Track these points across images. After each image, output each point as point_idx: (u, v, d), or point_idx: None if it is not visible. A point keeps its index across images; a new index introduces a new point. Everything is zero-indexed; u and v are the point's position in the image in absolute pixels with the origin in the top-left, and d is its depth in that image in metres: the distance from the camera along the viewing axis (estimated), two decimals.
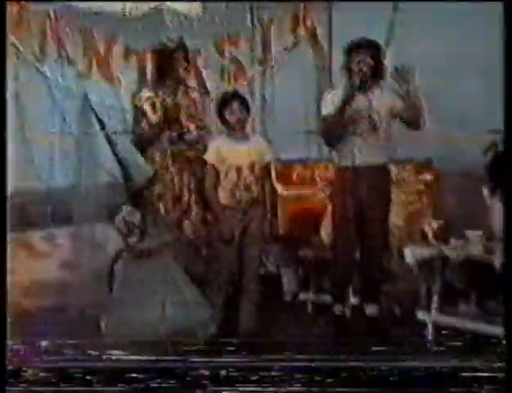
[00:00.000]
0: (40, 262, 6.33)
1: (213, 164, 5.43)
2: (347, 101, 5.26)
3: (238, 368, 4.53)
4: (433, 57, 6.07)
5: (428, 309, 5.49)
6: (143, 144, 5.86)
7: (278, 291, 6.36)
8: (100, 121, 6.45)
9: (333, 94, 5.46)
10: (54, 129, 6.55)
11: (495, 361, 4.47)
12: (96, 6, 6.70)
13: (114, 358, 4.68)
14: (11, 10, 6.10)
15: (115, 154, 6.02)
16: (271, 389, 4.41)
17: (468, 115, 5.97)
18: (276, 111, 6.87)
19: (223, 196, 5.42)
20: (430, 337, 5.43)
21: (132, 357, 4.62)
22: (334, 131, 5.37)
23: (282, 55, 6.99)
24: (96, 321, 5.25)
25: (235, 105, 5.40)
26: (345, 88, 5.36)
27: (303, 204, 6.37)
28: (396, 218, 6.19)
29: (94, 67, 6.75)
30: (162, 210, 5.80)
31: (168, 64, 5.84)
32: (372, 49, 5.38)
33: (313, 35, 6.97)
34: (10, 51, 5.91)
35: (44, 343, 4.80)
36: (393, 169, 6.12)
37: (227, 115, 5.41)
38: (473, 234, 5.35)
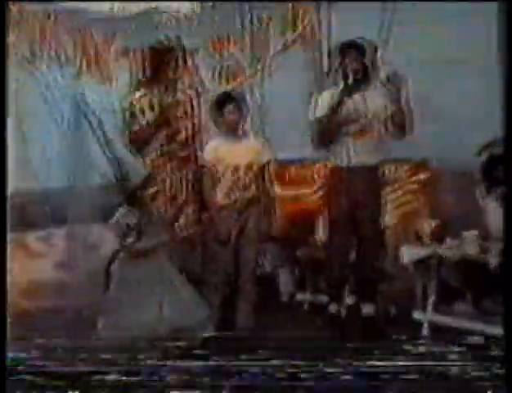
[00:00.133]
0: (37, 262, 6.33)
1: (210, 165, 5.44)
2: (340, 102, 5.29)
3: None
4: (430, 57, 6.09)
5: (424, 308, 5.50)
6: (138, 144, 5.84)
7: (274, 292, 6.37)
8: (95, 122, 6.46)
9: (325, 95, 5.48)
10: (51, 129, 6.55)
11: (493, 360, 4.51)
12: (92, 6, 6.70)
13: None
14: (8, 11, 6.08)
15: (110, 154, 6.03)
16: None
17: (465, 116, 5.99)
18: (272, 111, 6.87)
19: (220, 197, 5.42)
20: (426, 337, 5.44)
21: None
22: (327, 132, 5.41)
23: (279, 54, 6.99)
24: (93, 321, 5.26)
25: (230, 106, 5.42)
26: (337, 89, 5.39)
27: (300, 204, 6.39)
28: (391, 217, 6.22)
29: (90, 67, 6.74)
30: (157, 210, 5.78)
31: (165, 62, 5.83)
32: (363, 49, 5.41)
33: (310, 35, 6.97)
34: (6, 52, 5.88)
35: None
36: (389, 168, 6.18)
37: (222, 117, 5.42)
38: (469, 234, 5.37)
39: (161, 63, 5.87)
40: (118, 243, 5.45)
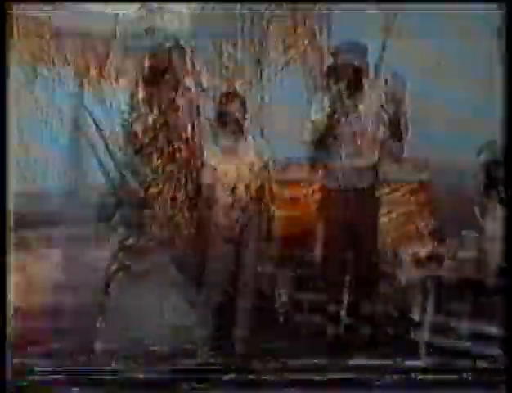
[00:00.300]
0: (37, 263, 6.26)
1: (208, 185, 5.44)
2: (335, 107, 5.34)
3: None
4: (429, 62, 6.15)
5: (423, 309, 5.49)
6: (138, 146, 5.84)
7: (272, 312, 6.31)
8: (95, 122, 6.43)
9: (321, 98, 5.53)
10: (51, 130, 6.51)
11: (493, 360, 4.51)
12: (93, 8, 6.71)
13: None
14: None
15: (110, 154, 6.01)
16: None
17: (464, 116, 6.01)
18: (272, 112, 6.87)
19: (219, 216, 5.41)
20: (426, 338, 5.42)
21: None
22: (323, 136, 5.44)
23: (281, 55, 7.01)
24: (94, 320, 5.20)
25: (234, 105, 5.43)
26: (332, 92, 5.44)
27: (298, 204, 6.33)
28: (389, 239, 6.23)
29: (91, 68, 6.73)
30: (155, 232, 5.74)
31: (165, 64, 5.84)
32: (358, 52, 5.46)
33: (312, 35, 7.01)
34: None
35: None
36: (387, 190, 6.21)
37: (225, 115, 5.42)
38: (467, 254, 5.40)
39: (162, 64, 5.86)
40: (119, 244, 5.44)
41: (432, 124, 6.13)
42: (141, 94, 6.00)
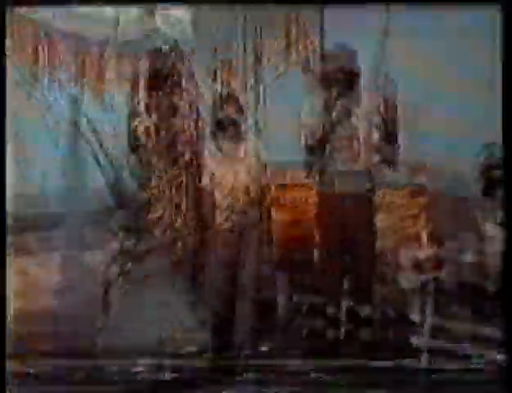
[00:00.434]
0: (36, 265, 6.29)
1: (208, 190, 5.45)
2: (326, 111, 5.34)
3: None
4: (428, 60, 6.11)
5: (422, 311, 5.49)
6: (137, 148, 5.84)
7: (273, 316, 6.33)
8: (90, 124, 6.43)
9: (312, 101, 5.52)
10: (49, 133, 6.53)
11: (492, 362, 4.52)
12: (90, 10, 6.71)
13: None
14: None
15: (107, 157, 6.00)
16: None
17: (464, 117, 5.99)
18: (269, 115, 6.87)
19: (219, 220, 5.42)
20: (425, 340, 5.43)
21: None
22: (315, 140, 5.47)
23: (275, 57, 6.99)
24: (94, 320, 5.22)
25: (231, 107, 5.42)
26: (324, 95, 5.42)
27: (297, 207, 6.33)
28: (388, 243, 6.23)
29: (87, 69, 6.73)
30: (156, 234, 5.75)
31: (164, 67, 5.83)
32: (348, 55, 5.45)
33: (306, 39, 6.97)
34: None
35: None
36: (386, 193, 6.19)
37: (222, 118, 5.42)
38: (467, 258, 5.39)
39: (161, 67, 5.85)
40: (117, 246, 5.44)
41: (430, 126, 6.12)
42: (142, 96, 5.99)
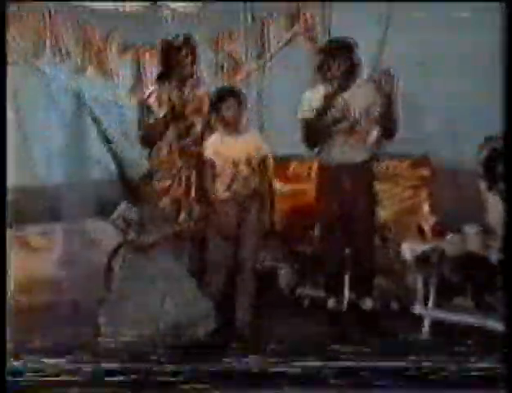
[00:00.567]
0: (37, 258, 6.35)
1: (210, 159, 5.46)
2: (326, 106, 5.32)
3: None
4: (429, 56, 6.10)
5: (425, 303, 5.50)
6: (150, 139, 5.84)
7: (275, 286, 6.38)
8: (94, 118, 6.48)
9: (311, 95, 5.50)
10: (50, 125, 6.58)
11: (493, 356, 4.51)
12: (93, 3, 6.73)
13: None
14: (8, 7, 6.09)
15: (110, 149, 6.03)
16: None
17: (465, 113, 5.99)
18: (272, 107, 6.89)
19: (221, 190, 5.44)
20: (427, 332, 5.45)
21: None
22: (315, 133, 5.45)
23: (279, 51, 7.01)
24: (95, 317, 5.26)
25: (231, 101, 5.43)
26: (323, 90, 5.40)
27: (299, 200, 6.38)
28: (392, 213, 6.24)
29: (91, 63, 6.78)
30: (165, 204, 5.77)
31: (175, 59, 5.83)
32: (347, 48, 5.43)
33: (309, 31, 6.99)
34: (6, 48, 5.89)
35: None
36: (389, 164, 6.20)
37: (223, 111, 5.44)
38: (470, 229, 5.37)
39: (173, 60, 5.85)
40: (120, 238, 5.45)
41: (431, 120, 6.14)
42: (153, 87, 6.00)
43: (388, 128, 5.45)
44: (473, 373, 4.51)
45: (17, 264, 5.72)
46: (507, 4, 4.69)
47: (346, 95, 5.41)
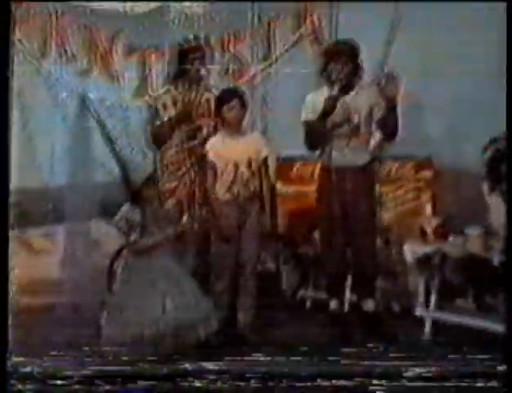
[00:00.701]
0: (40, 260, 6.38)
1: (211, 161, 5.47)
2: (328, 109, 5.33)
3: None
4: (434, 57, 6.09)
5: (426, 305, 5.50)
6: (158, 139, 5.87)
7: (277, 288, 6.39)
8: (99, 120, 6.51)
9: (313, 97, 5.51)
10: (55, 127, 6.61)
11: (494, 357, 4.51)
12: (98, 4, 6.75)
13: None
14: (14, 8, 6.11)
15: (113, 151, 6.05)
16: None
17: (467, 115, 5.99)
18: (277, 108, 6.90)
19: (221, 192, 5.45)
20: (428, 333, 5.45)
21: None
22: (316, 137, 5.46)
23: (285, 52, 7.01)
24: (97, 318, 5.28)
25: (234, 102, 5.44)
26: (325, 93, 5.41)
27: (303, 201, 6.39)
28: (394, 215, 6.24)
29: (96, 65, 6.81)
30: (168, 205, 5.79)
31: (187, 63, 5.85)
32: (349, 51, 5.43)
33: (316, 33, 6.99)
34: (12, 49, 5.93)
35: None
36: (393, 166, 6.21)
37: (226, 112, 5.45)
38: (473, 231, 5.37)
39: (185, 63, 5.88)
40: (122, 240, 5.47)
41: (434, 121, 6.15)
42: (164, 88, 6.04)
43: (388, 131, 5.44)
44: (473, 375, 4.52)
45: (20, 266, 5.74)
46: (508, 4, 4.68)
47: (348, 98, 5.41)
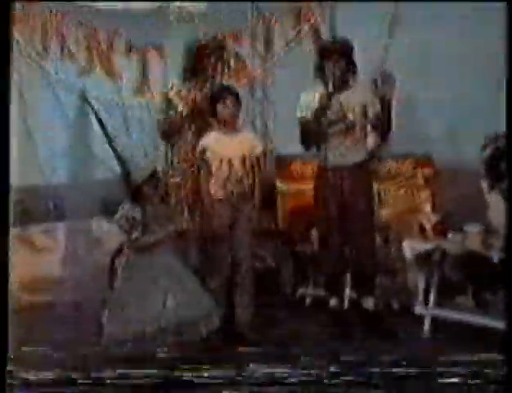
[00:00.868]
0: (41, 257, 6.40)
1: (205, 158, 5.47)
2: (323, 107, 5.33)
3: None
4: (432, 55, 6.11)
5: (425, 302, 5.52)
6: (168, 134, 5.89)
7: (276, 286, 6.41)
8: (99, 118, 6.52)
9: (308, 95, 5.52)
10: (55, 125, 6.63)
11: (493, 354, 4.52)
12: (98, 3, 6.77)
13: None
14: (15, 7, 6.14)
15: (114, 149, 6.06)
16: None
17: (468, 112, 6.00)
18: (277, 106, 6.92)
19: (215, 189, 5.45)
20: (428, 331, 5.47)
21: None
22: (311, 136, 5.47)
23: (283, 51, 7.03)
24: (99, 316, 5.29)
25: (229, 100, 5.44)
26: (320, 91, 5.42)
27: (302, 199, 6.41)
28: (394, 212, 6.25)
29: (96, 63, 6.82)
30: (169, 202, 5.81)
31: (205, 62, 5.87)
32: (343, 49, 5.43)
33: (315, 32, 7.01)
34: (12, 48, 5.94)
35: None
36: (392, 163, 6.22)
37: (220, 110, 5.45)
38: (472, 228, 5.38)
39: (201, 62, 5.88)
40: (123, 238, 5.47)
41: (433, 119, 6.16)
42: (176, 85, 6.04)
43: (382, 130, 5.44)
44: (473, 372, 4.54)
45: (21, 264, 5.77)
46: (508, 4, 4.69)
47: (343, 95, 5.42)
